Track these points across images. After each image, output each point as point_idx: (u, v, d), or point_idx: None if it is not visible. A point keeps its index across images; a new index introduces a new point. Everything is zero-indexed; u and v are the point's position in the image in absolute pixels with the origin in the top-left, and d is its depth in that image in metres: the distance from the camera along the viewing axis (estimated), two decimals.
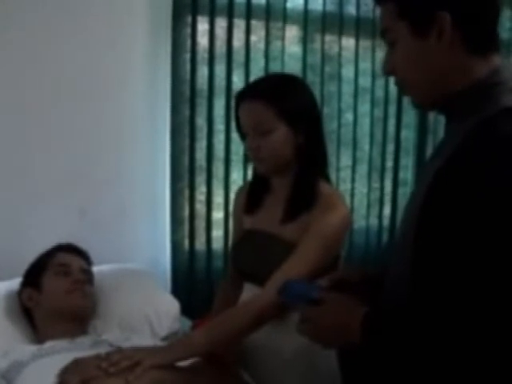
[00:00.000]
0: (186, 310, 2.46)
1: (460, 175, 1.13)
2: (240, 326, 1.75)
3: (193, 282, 2.72)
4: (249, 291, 1.96)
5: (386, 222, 3.20)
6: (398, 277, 1.32)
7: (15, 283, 2.19)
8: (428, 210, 1.18)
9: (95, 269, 2.26)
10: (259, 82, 1.91)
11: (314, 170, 1.86)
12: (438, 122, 3.25)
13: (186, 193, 2.67)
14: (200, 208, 2.72)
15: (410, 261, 1.24)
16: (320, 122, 1.90)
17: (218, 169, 2.73)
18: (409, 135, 3.24)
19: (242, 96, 1.82)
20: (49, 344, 1.92)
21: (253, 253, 1.91)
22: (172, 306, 2.39)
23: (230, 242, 2.21)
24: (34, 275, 2.14)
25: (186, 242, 2.71)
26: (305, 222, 1.83)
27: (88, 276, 2.17)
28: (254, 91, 1.81)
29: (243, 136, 1.87)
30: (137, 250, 2.62)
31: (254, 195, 1.98)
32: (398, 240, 1.36)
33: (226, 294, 2.08)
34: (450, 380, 1.19)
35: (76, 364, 1.66)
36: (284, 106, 1.78)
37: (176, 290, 2.62)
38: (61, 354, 1.82)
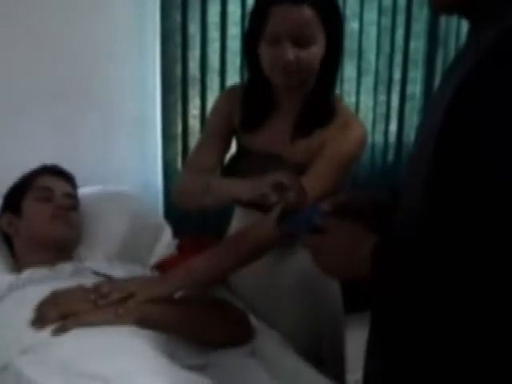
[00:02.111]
0: (179, 234, 2.31)
1: (481, 93, 0.99)
2: (240, 255, 1.61)
3: None
4: (252, 217, 1.80)
5: (392, 138, 3.02)
6: (410, 208, 1.17)
7: None
8: (447, 134, 1.03)
9: (79, 191, 2.08)
10: None
11: (332, 84, 1.74)
12: (449, 33, 3.07)
13: (179, 107, 2.48)
14: (194, 123, 2.53)
15: (425, 192, 1.10)
16: (344, 34, 1.74)
17: (213, 81, 2.53)
18: (418, 46, 3.03)
19: None
20: (27, 273, 1.76)
21: (256, 175, 1.73)
22: (163, 230, 2.23)
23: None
24: (15, 199, 1.97)
25: (179, 161, 2.52)
26: (319, 140, 1.68)
27: (72, 202, 2.00)
28: None
29: (254, 41, 1.67)
30: (125, 170, 2.44)
31: (254, 110, 1.80)
32: (412, 166, 1.20)
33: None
34: (457, 318, 1.08)
35: (55, 296, 1.50)
36: (329, 17, 1.61)
37: (169, 214, 2.45)
38: (39, 283, 1.66)
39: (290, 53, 1.60)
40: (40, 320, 1.46)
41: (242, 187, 1.65)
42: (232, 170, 1.87)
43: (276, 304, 1.86)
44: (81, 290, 1.54)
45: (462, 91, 1.03)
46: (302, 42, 1.60)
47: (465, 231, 1.02)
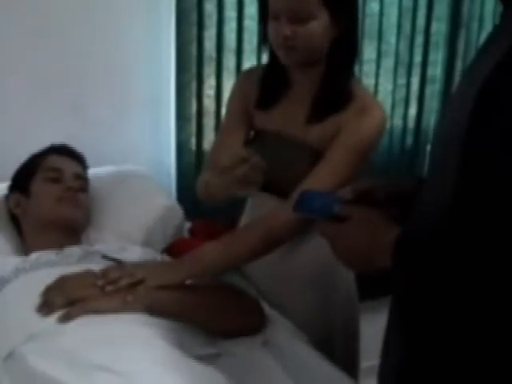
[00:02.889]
0: (192, 218, 2.26)
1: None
2: (255, 244, 1.57)
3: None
4: (265, 202, 1.76)
5: (411, 123, 2.95)
6: (436, 201, 1.11)
7: (3, 187, 1.97)
8: (480, 121, 0.97)
9: (90, 171, 2.03)
10: None
11: (348, 66, 1.68)
12: (471, 15, 2.99)
13: (194, 86, 2.42)
14: (209, 104, 2.47)
15: (454, 184, 1.04)
16: (358, 14, 1.68)
17: (229, 60, 2.47)
18: (440, 28, 2.95)
19: None
20: (34, 255, 1.71)
21: (269, 158, 1.68)
22: (175, 213, 2.18)
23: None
24: (23, 179, 1.92)
25: (193, 142, 2.47)
26: (334, 126, 1.63)
27: (82, 183, 1.95)
28: None
29: (264, 19, 1.64)
30: (137, 150, 2.39)
31: (269, 88, 1.76)
32: (438, 155, 1.15)
33: None
34: (481, 312, 1.02)
35: (62, 282, 1.46)
36: None
37: (181, 195, 2.40)
38: (46, 267, 1.62)
39: (286, 28, 1.57)
40: (46, 306, 1.42)
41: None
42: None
43: (287, 291, 1.81)
44: (89, 275, 1.50)
45: (493, 82, 0.97)
46: (298, 17, 1.56)
47: (494, 226, 0.97)
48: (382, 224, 1.14)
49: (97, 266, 1.54)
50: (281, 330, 1.63)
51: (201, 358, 1.41)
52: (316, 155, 1.65)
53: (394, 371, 1.29)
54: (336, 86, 1.66)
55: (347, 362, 1.85)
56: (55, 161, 1.95)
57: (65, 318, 1.39)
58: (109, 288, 1.45)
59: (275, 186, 1.73)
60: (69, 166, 1.95)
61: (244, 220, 1.97)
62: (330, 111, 1.66)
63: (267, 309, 1.68)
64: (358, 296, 2.00)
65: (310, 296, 1.84)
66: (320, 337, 1.79)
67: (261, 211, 1.85)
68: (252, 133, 1.87)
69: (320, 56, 1.65)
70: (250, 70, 1.92)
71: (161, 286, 1.49)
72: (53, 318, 1.40)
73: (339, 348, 1.86)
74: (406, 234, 1.09)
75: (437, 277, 1.05)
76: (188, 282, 1.58)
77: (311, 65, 1.67)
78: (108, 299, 1.43)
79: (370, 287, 2.13)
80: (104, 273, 1.50)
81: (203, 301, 1.54)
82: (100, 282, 1.46)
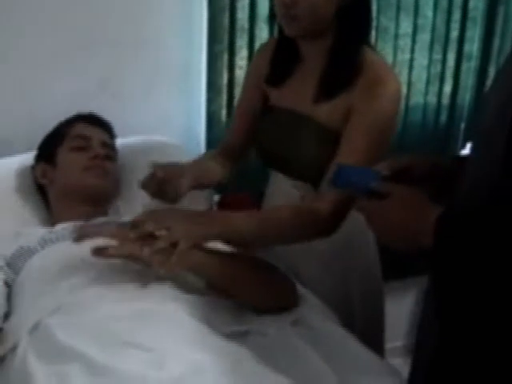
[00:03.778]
0: (220, 188, 2.22)
1: None
2: (285, 230, 1.53)
3: None
4: (277, 181, 1.77)
5: (445, 100, 2.88)
6: (482, 177, 1.08)
7: (30, 157, 1.95)
8: None
9: (119, 141, 2.00)
10: None
11: (357, 37, 1.58)
12: None
13: (225, 57, 2.37)
14: (240, 75, 2.40)
15: (502, 161, 1.00)
16: None
17: (262, 30, 2.41)
18: (478, 3, 2.85)
19: None
20: (60, 226, 1.69)
21: (280, 135, 1.63)
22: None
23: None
24: (49, 148, 1.89)
25: (224, 113, 2.43)
26: (345, 104, 1.56)
27: (109, 151, 1.91)
28: None
29: None
30: (167, 121, 2.35)
31: (279, 63, 1.69)
32: (484, 134, 1.09)
33: (206, 161, 1.84)
34: None
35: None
36: None
37: None
38: (71, 239, 1.60)
39: None
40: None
41: None
42: (261, 128, 1.79)
43: (306, 271, 1.77)
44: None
45: None
46: None
47: None
48: (425, 203, 1.10)
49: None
50: (312, 309, 1.60)
51: (228, 336, 1.38)
52: (327, 134, 1.60)
53: (428, 355, 1.26)
54: (344, 60, 1.58)
55: (368, 342, 1.81)
56: (81, 129, 1.91)
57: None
58: (145, 252, 1.36)
59: (287, 164, 1.69)
60: (96, 134, 1.92)
61: (267, 196, 1.95)
62: (339, 88, 1.58)
63: (299, 287, 1.64)
64: (384, 277, 1.96)
65: (329, 276, 1.82)
66: (341, 315, 1.75)
67: (277, 191, 1.81)
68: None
69: (326, 26, 1.57)
70: (265, 44, 1.85)
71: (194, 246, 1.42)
72: (81, 290, 1.38)
73: (359, 329, 1.82)
74: (448, 214, 1.05)
75: (480, 258, 1.02)
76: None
77: (319, 36, 1.59)
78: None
79: (395, 268, 2.10)
80: (135, 223, 1.42)
81: (243, 272, 1.50)
82: (132, 234, 1.39)
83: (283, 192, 1.80)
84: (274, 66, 1.72)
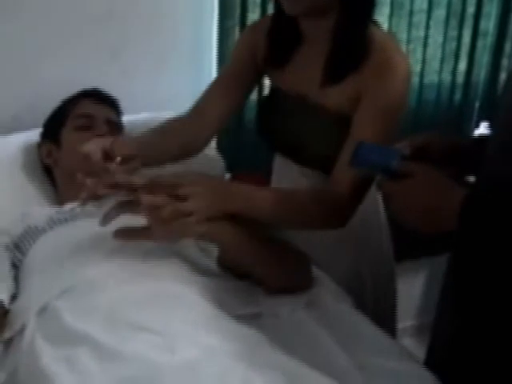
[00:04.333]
0: (233, 169, 2.21)
1: None
2: (304, 214, 1.48)
3: (240, 136, 2.42)
4: (283, 166, 1.74)
5: (460, 78, 2.83)
6: (506, 159, 1.04)
7: (37, 134, 1.91)
8: None
9: (126, 118, 1.95)
10: None
11: (362, 14, 1.49)
12: None
13: (236, 33, 2.32)
14: None
15: None
16: None
17: None
18: None
19: None
20: (68, 207, 1.65)
21: (287, 121, 1.58)
22: (216, 163, 2.10)
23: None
24: (54, 128, 1.84)
25: None
26: (354, 87, 1.48)
27: (115, 129, 1.85)
28: None
29: None
30: (177, 97, 2.28)
31: (278, 44, 1.60)
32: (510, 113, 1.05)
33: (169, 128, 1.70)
34: None
35: None
36: None
37: (221, 146, 2.30)
38: (82, 219, 1.56)
39: None
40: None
41: None
42: (264, 110, 1.74)
43: (321, 250, 1.73)
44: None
45: None
46: None
47: None
48: (449, 184, 1.07)
49: (136, 216, 1.45)
50: (326, 291, 1.56)
51: (241, 318, 1.34)
52: (335, 119, 1.54)
53: (448, 336, 1.24)
54: (350, 41, 1.48)
55: (380, 323, 1.78)
56: (85, 107, 1.86)
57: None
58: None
59: (295, 151, 1.64)
60: (100, 111, 1.86)
61: (273, 180, 1.91)
62: (346, 72, 1.50)
63: (313, 268, 1.60)
64: (396, 257, 1.93)
65: (340, 256, 1.79)
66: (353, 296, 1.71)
67: (284, 177, 1.78)
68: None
69: (329, 4, 1.47)
70: (258, 22, 1.76)
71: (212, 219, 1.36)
72: (92, 271, 1.35)
73: (371, 309, 1.79)
74: (474, 195, 1.01)
75: (506, 241, 0.98)
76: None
77: (321, 15, 1.49)
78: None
79: (407, 248, 2.07)
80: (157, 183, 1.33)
81: (257, 244, 1.44)
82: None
83: (290, 179, 1.76)
84: (273, 47, 1.63)
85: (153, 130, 1.65)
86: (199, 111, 1.73)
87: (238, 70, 1.72)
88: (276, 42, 1.62)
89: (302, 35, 1.58)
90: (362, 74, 1.48)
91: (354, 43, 1.48)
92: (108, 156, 1.42)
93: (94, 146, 1.43)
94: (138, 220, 1.32)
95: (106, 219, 1.34)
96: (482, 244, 1.04)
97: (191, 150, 1.73)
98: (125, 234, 1.33)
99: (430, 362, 1.40)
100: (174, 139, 1.66)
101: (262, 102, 1.76)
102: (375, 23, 1.54)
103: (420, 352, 1.50)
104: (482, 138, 1.22)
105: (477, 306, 1.14)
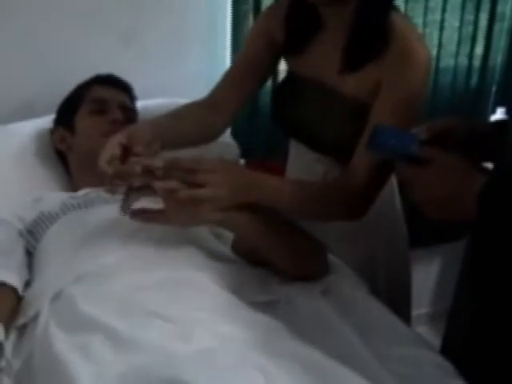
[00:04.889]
0: (247, 155, 2.20)
1: None
2: (321, 207, 1.47)
3: (255, 122, 2.40)
4: (298, 153, 1.72)
5: (476, 62, 2.79)
6: None
7: (48, 121, 1.90)
8: None
9: (140, 103, 1.94)
10: None
11: (383, 0, 1.46)
12: None
13: (251, 18, 2.30)
14: None
15: None
16: None
17: None
18: None
19: None
20: (82, 192, 1.64)
21: (304, 107, 1.56)
22: (230, 149, 2.09)
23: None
24: (67, 113, 1.83)
25: None
26: (373, 75, 1.45)
27: (129, 114, 1.84)
28: None
29: None
30: (192, 83, 2.26)
31: (296, 30, 1.57)
32: None
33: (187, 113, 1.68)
34: None
35: None
36: None
37: (236, 132, 2.28)
38: (96, 204, 1.55)
39: None
40: None
41: None
42: (280, 95, 1.72)
43: (334, 236, 1.71)
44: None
45: None
46: None
47: None
48: (470, 170, 1.05)
49: (152, 202, 1.43)
50: (342, 278, 1.55)
51: (256, 305, 1.33)
52: (354, 108, 1.51)
53: (466, 324, 1.23)
54: (370, 28, 1.45)
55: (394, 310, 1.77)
56: (99, 92, 1.85)
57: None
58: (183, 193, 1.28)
59: (311, 137, 1.62)
60: (114, 96, 1.85)
61: (288, 168, 1.90)
62: (366, 60, 1.47)
63: (329, 256, 1.59)
64: (410, 244, 1.91)
65: (354, 242, 1.77)
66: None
67: (298, 164, 1.77)
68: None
69: None
70: (271, 7, 1.72)
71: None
72: (106, 257, 1.35)
73: (385, 297, 1.77)
74: (494, 182, 0.99)
75: None
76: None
77: (341, 1, 1.45)
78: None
79: (421, 235, 2.05)
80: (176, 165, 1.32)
81: (274, 229, 1.43)
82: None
83: (305, 166, 1.74)
84: (291, 33, 1.60)
85: (169, 113, 1.63)
86: (216, 98, 1.71)
87: (252, 57, 1.70)
88: (294, 29, 1.59)
89: (320, 21, 1.55)
90: (382, 62, 1.45)
91: (373, 31, 1.45)
92: (127, 150, 1.40)
93: (110, 147, 1.42)
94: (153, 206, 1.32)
95: (125, 206, 1.34)
96: (501, 231, 1.02)
97: (208, 136, 1.72)
98: (142, 215, 1.33)
99: (446, 350, 1.39)
100: (191, 124, 1.65)
101: (278, 86, 1.73)
102: (397, 10, 1.51)
103: (434, 339, 1.49)
104: (499, 122, 1.19)
105: (494, 294, 1.13)
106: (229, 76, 1.74)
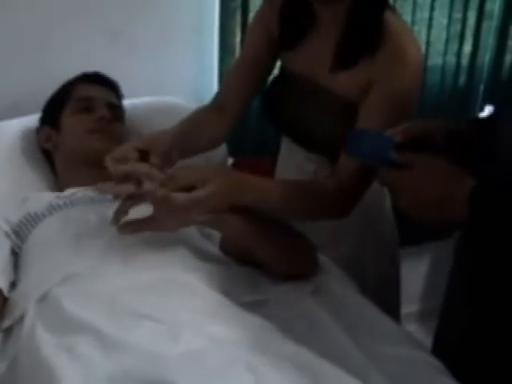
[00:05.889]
0: (235, 153, 2.19)
1: None
2: (307, 206, 1.47)
3: (243, 119, 2.36)
4: (289, 150, 1.72)
5: (465, 60, 2.79)
6: None
7: (34, 119, 1.88)
8: None
9: (128, 102, 1.93)
10: None
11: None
12: None
13: (238, 15, 2.28)
14: None
15: None
16: None
17: None
18: None
19: None
20: (68, 192, 1.63)
21: (295, 104, 1.55)
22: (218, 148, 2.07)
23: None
24: (53, 112, 1.82)
25: None
26: (365, 74, 1.45)
27: (116, 112, 1.83)
28: None
29: None
30: (178, 81, 2.27)
31: (290, 25, 1.57)
32: None
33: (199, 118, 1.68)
34: None
35: None
36: None
37: None
38: (82, 204, 1.54)
39: None
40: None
41: None
42: (272, 91, 1.71)
43: (323, 234, 1.71)
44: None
45: None
46: None
47: None
48: (457, 172, 1.04)
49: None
50: (332, 278, 1.54)
51: (246, 305, 1.32)
52: (344, 106, 1.50)
53: (459, 326, 1.22)
54: (363, 26, 1.45)
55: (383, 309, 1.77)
56: (85, 89, 1.84)
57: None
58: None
59: (302, 135, 1.62)
60: (101, 94, 1.84)
61: (279, 165, 1.89)
62: (358, 58, 1.46)
63: (319, 255, 1.58)
64: (399, 242, 1.91)
65: (342, 241, 1.77)
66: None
67: (289, 162, 1.77)
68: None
69: None
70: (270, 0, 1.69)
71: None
72: (92, 259, 1.33)
73: (373, 295, 1.77)
74: (484, 183, 0.99)
75: None
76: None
77: None
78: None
79: (410, 233, 2.05)
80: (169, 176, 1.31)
81: (264, 228, 1.42)
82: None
83: (296, 164, 1.73)
84: (284, 28, 1.59)
85: (184, 122, 1.64)
86: (222, 102, 1.71)
87: (252, 53, 1.70)
88: (287, 24, 1.58)
89: (315, 18, 1.54)
90: (375, 61, 1.44)
91: (367, 28, 1.44)
92: (144, 155, 1.39)
93: (124, 149, 1.41)
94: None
95: (118, 216, 1.33)
96: (492, 233, 1.01)
97: (219, 140, 1.74)
98: (129, 227, 1.32)
99: (438, 350, 1.38)
100: (205, 131, 1.65)
101: (270, 83, 1.72)
102: (392, 9, 1.51)
103: (424, 338, 1.49)
104: (480, 119, 1.18)
105: (488, 297, 1.12)
106: (233, 75, 1.74)
